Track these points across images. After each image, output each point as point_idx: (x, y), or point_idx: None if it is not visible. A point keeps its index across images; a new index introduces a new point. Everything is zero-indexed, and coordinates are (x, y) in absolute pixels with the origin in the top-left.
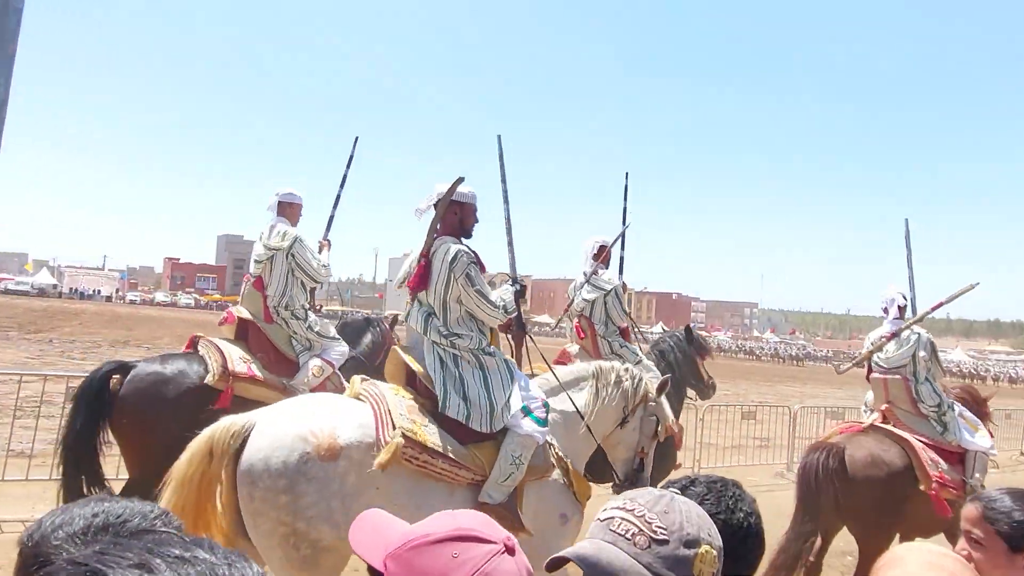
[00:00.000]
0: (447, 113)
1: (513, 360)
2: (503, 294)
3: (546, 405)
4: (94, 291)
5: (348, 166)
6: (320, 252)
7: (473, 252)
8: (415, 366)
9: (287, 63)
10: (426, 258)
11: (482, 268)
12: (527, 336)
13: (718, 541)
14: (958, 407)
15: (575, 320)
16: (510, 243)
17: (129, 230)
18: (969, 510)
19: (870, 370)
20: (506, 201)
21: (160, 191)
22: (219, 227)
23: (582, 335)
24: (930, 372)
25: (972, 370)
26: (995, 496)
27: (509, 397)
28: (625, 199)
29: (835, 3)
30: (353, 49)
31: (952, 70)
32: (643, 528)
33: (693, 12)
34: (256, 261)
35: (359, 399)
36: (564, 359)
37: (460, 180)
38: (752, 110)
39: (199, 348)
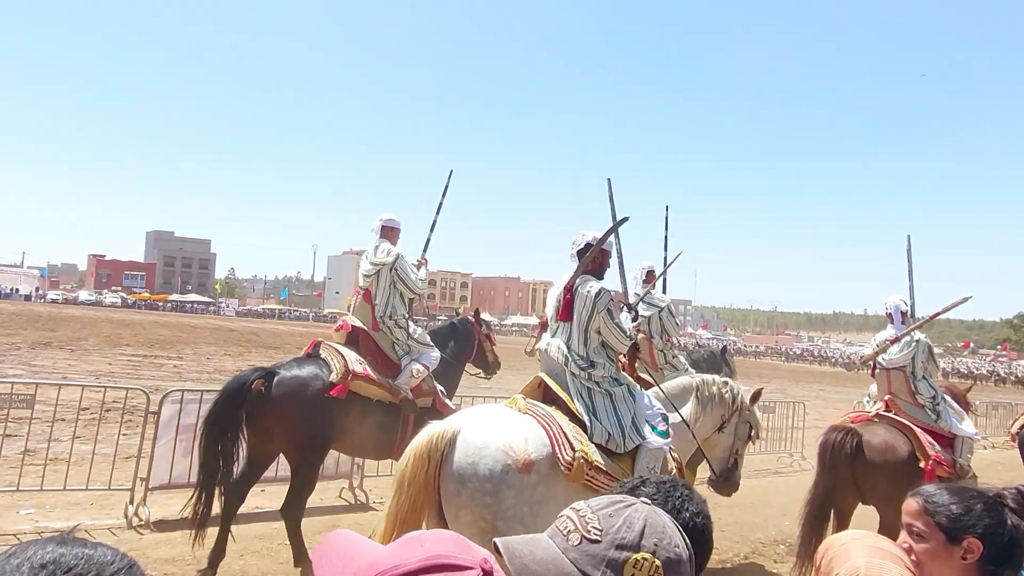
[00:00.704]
0: (385, 108)
1: (635, 382)
2: (623, 322)
3: (665, 418)
4: (12, 289)
5: (444, 195)
6: (419, 270)
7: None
8: (563, 394)
9: (221, 56)
10: (570, 292)
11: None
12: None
13: (669, 554)
14: (948, 399)
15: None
16: (622, 275)
17: (50, 225)
18: (910, 504)
19: (874, 367)
20: (617, 236)
21: (85, 184)
22: (148, 223)
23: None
24: (926, 371)
25: (820, 354)
26: (934, 491)
27: (633, 420)
28: (666, 229)
29: None
30: (298, 45)
31: (846, 69)
32: (579, 527)
33: (631, 14)
34: (365, 276)
35: (526, 414)
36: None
37: (624, 220)
38: (683, 108)
39: (320, 352)
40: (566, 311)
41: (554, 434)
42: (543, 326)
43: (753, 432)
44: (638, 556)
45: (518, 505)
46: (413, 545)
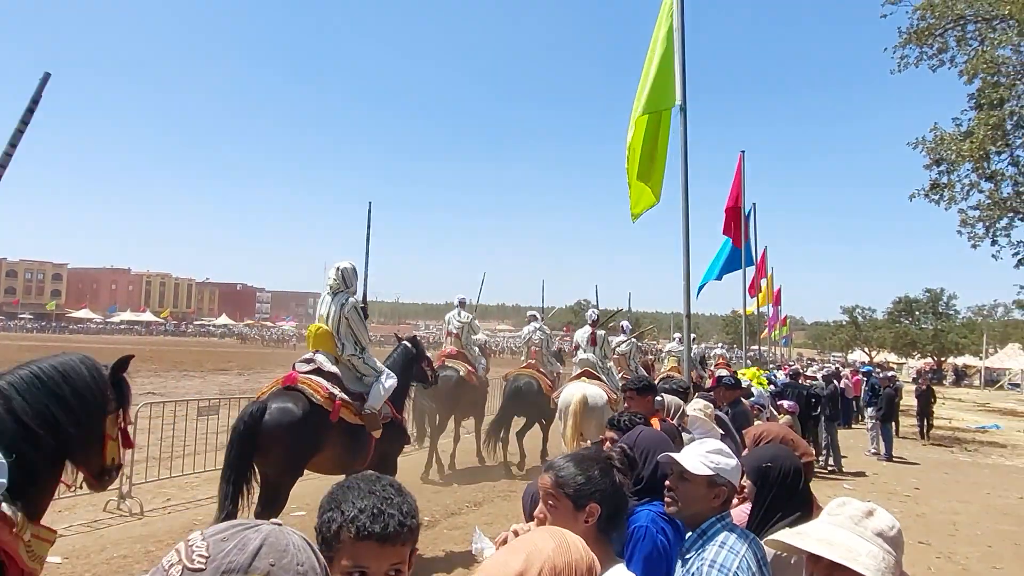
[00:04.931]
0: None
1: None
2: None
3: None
4: None
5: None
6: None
7: None
8: (599, 374)
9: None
10: (595, 334)
11: None
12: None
13: (290, 573)
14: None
15: (532, 348)
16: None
17: None
18: (544, 478)
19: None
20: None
21: None
22: None
23: (534, 356)
24: (633, 356)
25: (492, 347)
26: (563, 464)
27: (616, 383)
28: (597, 298)
29: None
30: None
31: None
32: (183, 557)
33: None
34: (455, 327)
35: (594, 384)
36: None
37: (620, 311)
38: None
39: (447, 363)
40: (594, 342)
41: (607, 388)
42: (576, 347)
43: None
44: None
45: (606, 414)
46: None
